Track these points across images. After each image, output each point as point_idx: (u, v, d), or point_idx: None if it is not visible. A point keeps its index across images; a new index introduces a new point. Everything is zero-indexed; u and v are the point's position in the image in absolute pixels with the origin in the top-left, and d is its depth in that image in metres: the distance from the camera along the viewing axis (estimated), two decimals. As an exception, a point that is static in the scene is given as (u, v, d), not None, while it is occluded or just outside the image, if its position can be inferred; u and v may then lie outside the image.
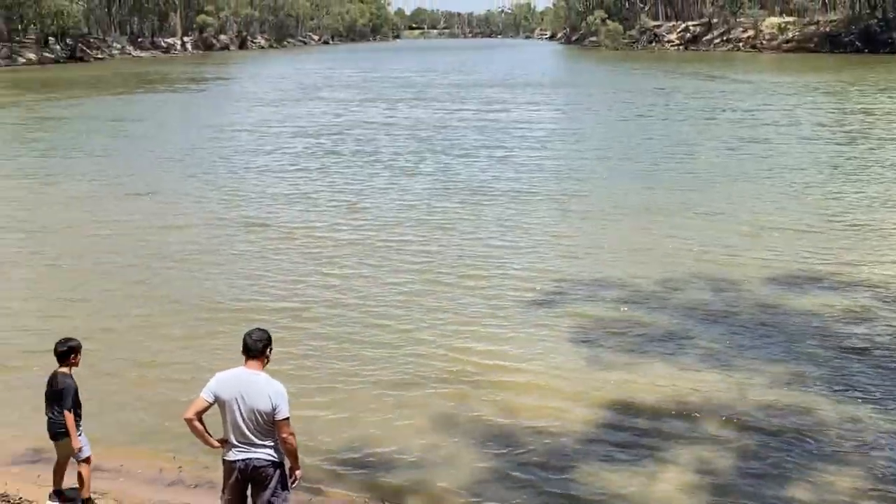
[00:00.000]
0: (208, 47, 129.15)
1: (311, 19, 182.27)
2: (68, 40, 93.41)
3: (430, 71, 57.98)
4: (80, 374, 8.24)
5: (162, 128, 35.19)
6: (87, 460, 7.12)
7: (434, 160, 25.41)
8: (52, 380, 7.03)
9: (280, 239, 16.06)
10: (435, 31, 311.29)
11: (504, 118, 36.85)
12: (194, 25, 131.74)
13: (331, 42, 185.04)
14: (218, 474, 6.25)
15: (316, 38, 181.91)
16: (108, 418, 8.80)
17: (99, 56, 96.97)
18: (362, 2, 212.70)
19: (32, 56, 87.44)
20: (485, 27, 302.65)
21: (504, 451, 7.96)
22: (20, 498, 7.42)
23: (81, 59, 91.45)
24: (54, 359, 7.02)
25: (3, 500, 7.39)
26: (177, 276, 13.87)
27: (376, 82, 61.44)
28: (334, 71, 77.34)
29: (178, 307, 12.32)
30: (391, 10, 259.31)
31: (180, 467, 7.97)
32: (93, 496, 7.28)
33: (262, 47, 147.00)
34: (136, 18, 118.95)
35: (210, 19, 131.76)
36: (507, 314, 11.59)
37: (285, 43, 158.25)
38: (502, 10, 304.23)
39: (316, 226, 17.17)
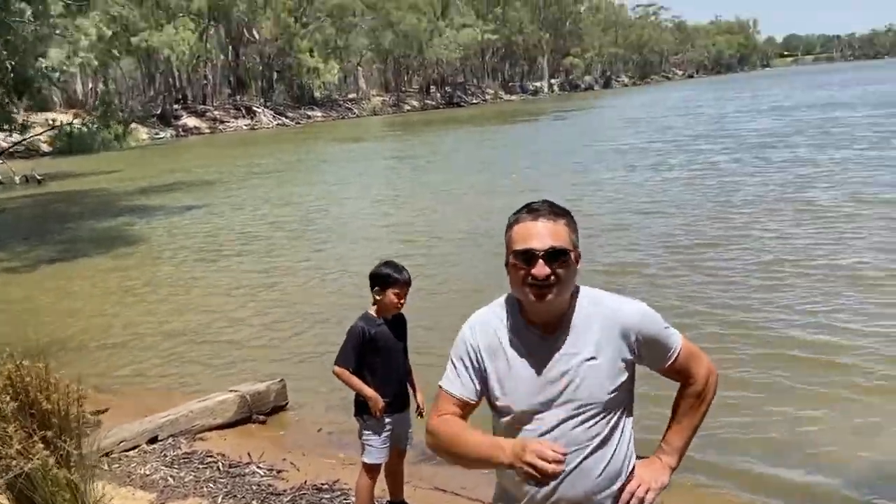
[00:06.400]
0: (573, 88, 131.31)
1: (676, 54, 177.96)
2: (447, 87, 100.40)
3: (831, 102, 46.28)
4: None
5: (520, 146, 34.94)
6: None
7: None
8: None
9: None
10: (810, 57, 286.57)
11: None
12: (560, 68, 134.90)
13: (695, 76, 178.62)
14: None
15: (680, 72, 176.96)
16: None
17: (473, 101, 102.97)
18: (730, 33, 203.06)
19: (416, 103, 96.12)
20: (868, 49, 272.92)
21: None
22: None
23: (458, 105, 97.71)
24: None
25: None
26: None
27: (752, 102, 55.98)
28: (700, 95, 73.69)
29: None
30: (760, 38, 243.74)
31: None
32: None
33: (626, 85, 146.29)
34: (507, 65, 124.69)
35: (577, 61, 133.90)
36: None
37: (648, 79, 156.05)
38: (889, 28, 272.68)
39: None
